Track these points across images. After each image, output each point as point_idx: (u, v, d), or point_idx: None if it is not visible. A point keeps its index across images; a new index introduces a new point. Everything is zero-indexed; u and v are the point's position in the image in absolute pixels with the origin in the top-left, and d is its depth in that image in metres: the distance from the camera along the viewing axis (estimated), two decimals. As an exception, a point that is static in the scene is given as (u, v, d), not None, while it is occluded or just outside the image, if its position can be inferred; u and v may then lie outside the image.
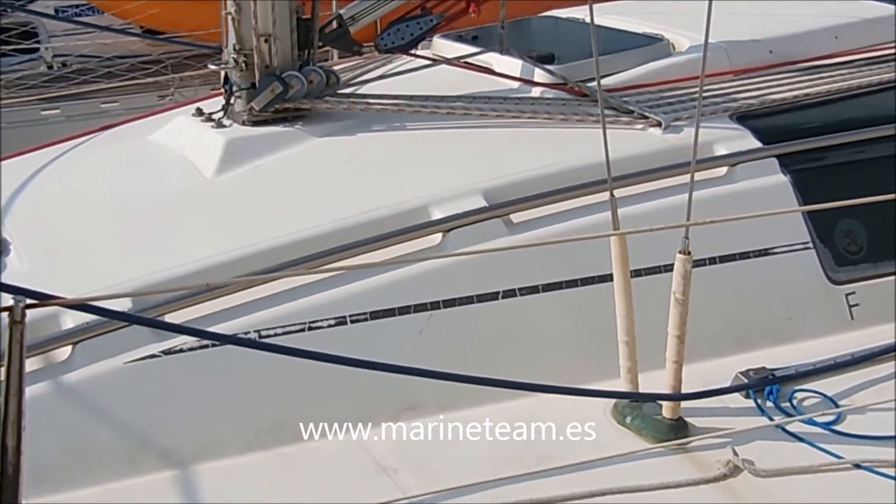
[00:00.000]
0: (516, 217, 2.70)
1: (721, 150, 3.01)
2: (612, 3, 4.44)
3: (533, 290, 2.62)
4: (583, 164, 2.82)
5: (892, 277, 2.99)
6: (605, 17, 4.01)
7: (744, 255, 2.85)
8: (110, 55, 5.90)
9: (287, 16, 2.97)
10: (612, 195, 2.42)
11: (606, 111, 3.16)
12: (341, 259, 2.46)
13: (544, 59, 3.43)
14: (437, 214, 2.64)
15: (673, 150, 2.97)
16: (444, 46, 3.90)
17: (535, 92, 3.35)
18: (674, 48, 3.65)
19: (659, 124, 3.05)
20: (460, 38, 3.81)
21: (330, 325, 2.40)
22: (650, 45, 3.58)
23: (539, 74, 3.41)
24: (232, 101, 3.05)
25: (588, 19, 3.98)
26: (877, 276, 2.99)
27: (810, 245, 2.94)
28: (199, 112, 3.16)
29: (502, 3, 3.55)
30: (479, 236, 2.62)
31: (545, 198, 2.71)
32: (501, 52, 3.55)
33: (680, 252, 2.30)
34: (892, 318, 2.93)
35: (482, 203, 2.66)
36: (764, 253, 2.89)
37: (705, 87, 3.34)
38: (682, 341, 2.33)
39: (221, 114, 3.06)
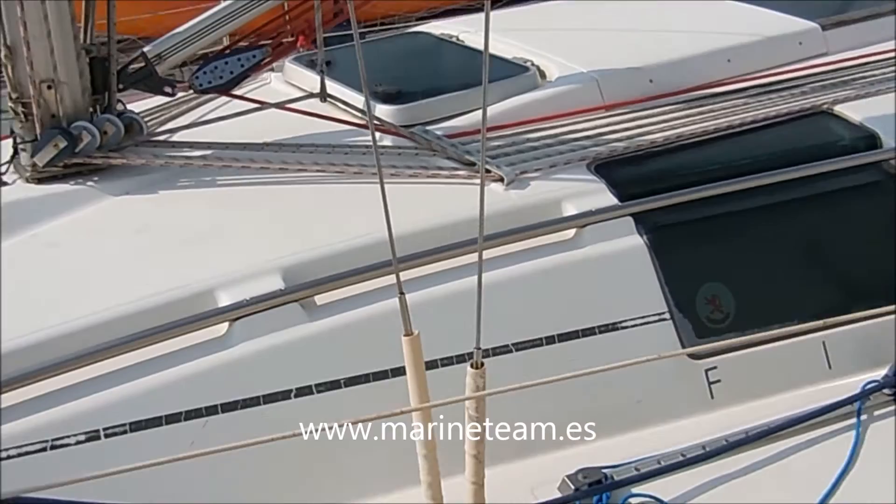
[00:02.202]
0: (322, 298, 2.45)
1: (570, 209, 2.75)
2: (496, 13, 4.17)
3: (334, 385, 2.37)
4: (405, 232, 2.55)
5: (759, 348, 2.79)
6: (477, 34, 3.75)
7: (587, 332, 2.61)
8: None
9: (73, 57, 2.66)
10: (401, 296, 2.05)
11: (447, 163, 2.93)
12: (97, 360, 2.20)
13: (390, 97, 3.14)
14: (224, 300, 2.37)
15: (514, 212, 2.71)
16: (295, 73, 3.61)
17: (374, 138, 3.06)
18: (543, 76, 3.38)
19: (501, 179, 2.80)
20: (312, 64, 3.51)
21: (79, 442, 2.14)
22: (515, 76, 3.29)
23: (380, 114, 3.11)
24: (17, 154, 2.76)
25: (464, 37, 3.83)
26: (742, 346, 2.78)
27: (667, 316, 2.71)
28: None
29: (319, 43, 3.22)
30: (272, 325, 2.36)
31: (352, 276, 2.45)
32: (322, 100, 3.27)
33: (471, 366, 2.03)
34: (756, 395, 2.73)
35: (279, 284, 2.40)
36: (613, 328, 2.66)
37: (564, 130, 3.15)
38: (481, 461, 2.09)
39: (5, 168, 2.77)
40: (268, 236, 2.59)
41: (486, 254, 2.64)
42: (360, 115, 3.19)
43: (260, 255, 2.47)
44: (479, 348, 2.03)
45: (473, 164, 2.85)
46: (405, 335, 2.05)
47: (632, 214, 2.75)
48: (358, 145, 2.98)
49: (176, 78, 3.02)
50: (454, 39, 3.76)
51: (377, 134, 2.96)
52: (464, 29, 3.84)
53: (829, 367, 2.83)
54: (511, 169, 2.80)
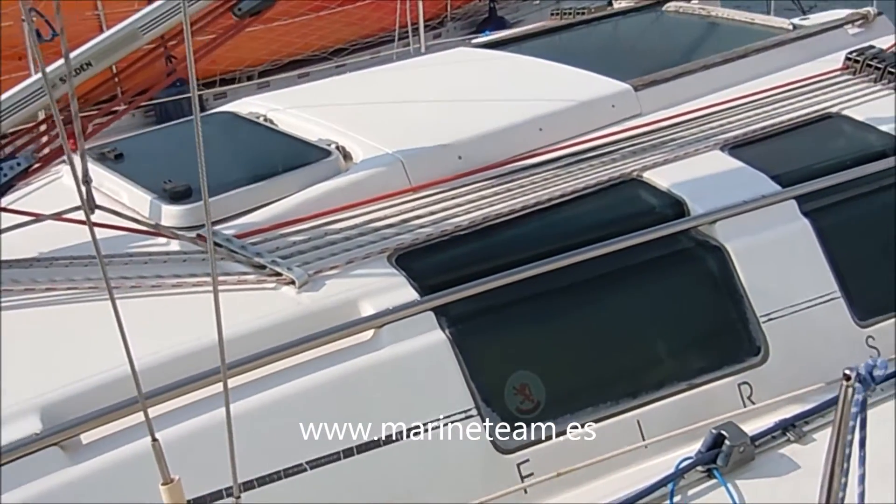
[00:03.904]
0: (88, 436, 2.31)
1: (367, 308, 2.71)
2: (305, 86, 4.13)
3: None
4: (175, 354, 2.45)
5: (572, 434, 2.80)
6: (285, 112, 3.69)
7: (389, 440, 2.55)
8: None
9: None
10: (154, 442, 1.84)
11: (237, 267, 2.84)
12: None
13: (179, 195, 3.03)
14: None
15: (307, 317, 2.64)
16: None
17: (162, 242, 2.96)
18: (349, 158, 3.33)
19: (293, 282, 2.73)
20: (102, 158, 3.37)
21: None
22: (317, 161, 3.23)
23: (168, 215, 3.01)
24: None
25: (272, 116, 3.75)
26: (554, 435, 2.78)
27: (474, 412, 2.68)
28: None
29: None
30: (29, 473, 2.21)
31: (101, 416, 2.30)
32: (92, 211, 2.88)
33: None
34: (572, 484, 2.72)
35: (38, 426, 2.26)
36: (416, 431, 2.60)
37: (367, 219, 3.10)
38: None
39: None
40: (31, 367, 2.44)
41: (279, 364, 2.59)
42: (145, 218, 3.06)
43: (23, 393, 2.33)
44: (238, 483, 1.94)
45: (264, 266, 2.78)
46: (163, 484, 1.95)
47: (432, 308, 2.73)
48: (140, 253, 2.86)
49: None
50: (261, 120, 3.68)
51: (161, 239, 2.86)
52: (272, 107, 3.78)
53: (645, 445, 2.87)
54: (303, 270, 2.74)
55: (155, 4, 2.80)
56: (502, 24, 8.71)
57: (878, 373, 1.93)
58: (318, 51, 7.82)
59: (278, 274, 2.74)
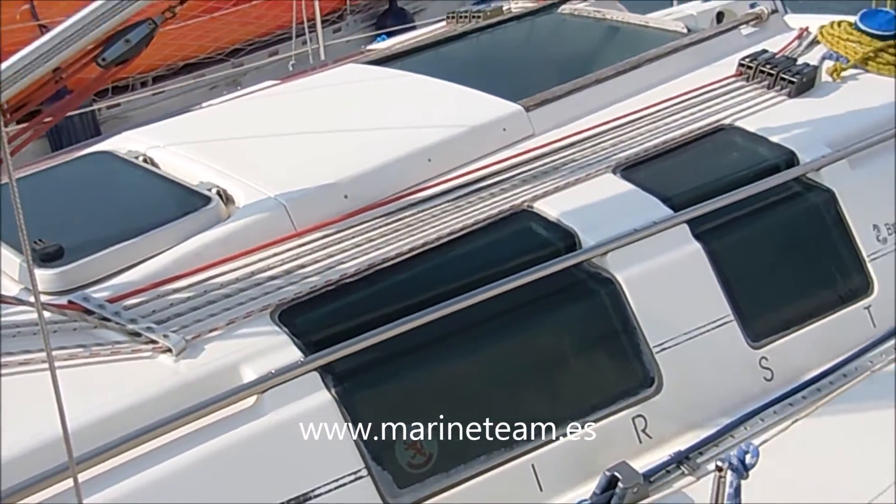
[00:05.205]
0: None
1: (249, 373, 2.66)
2: (185, 118, 4.01)
3: None
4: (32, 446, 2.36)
5: (467, 484, 2.81)
6: (165, 150, 3.58)
7: (272, 513, 2.54)
8: None
9: None
10: None
11: (111, 335, 2.76)
12: None
13: (48, 257, 2.91)
14: None
15: (185, 387, 2.58)
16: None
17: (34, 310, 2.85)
18: (230, 202, 3.24)
19: (169, 350, 2.65)
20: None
21: None
22: (196, 210, 3.14)
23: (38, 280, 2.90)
24: None
25: (153, 154, 3.63)
26: (448, 488, 2.79)
27: (364, 473, 2.67)
28: None
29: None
30: None
31: None
32: None
33: None
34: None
35: None
36: (304, 499, 2.59)
37: (249, 271, 3.03)
38: None
39: None
40: None
41: (157, 441, 2.52)
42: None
43: None
44: None
45: (139, 334, 2.71)
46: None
47: (316, 368, 2.70)
48: (9, 324, 2.76)
49: None
50: (140, 160, 3.56)
51: (24, 309, 2.77)
52: (154, 143, 3.65)
53: (541, 489, 2.90)
54: (180, 336, 2.67)
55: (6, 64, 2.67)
56: (403, 17, 8.63)
57: (749, 460, 1.98)
58: (214, 52, 7.64)
59: (154, 341, 2.67)
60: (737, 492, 2.05)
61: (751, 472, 2.16)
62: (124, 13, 2.73)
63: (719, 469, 2.02)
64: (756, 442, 3.02)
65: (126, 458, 2.44)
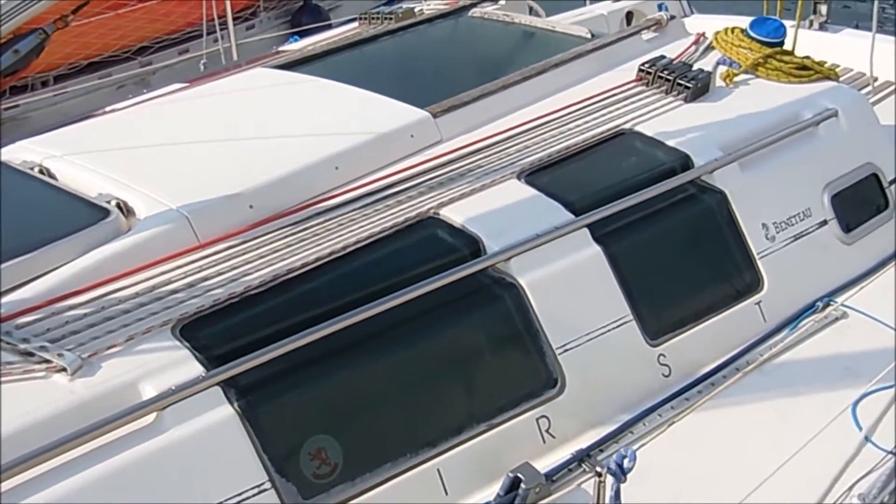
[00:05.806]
0: None
1: (148, 390, 2.65)
2: (85, 125, 3.92)
3: None
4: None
5: (373, 492, 2.86)
6: (63, 160, 3.49)
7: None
8: None
9: None
10: None
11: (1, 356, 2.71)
12: None
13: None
14: None
15: (81, 407, 2.55)
16: None
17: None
18: (130, 214, 3.20)
19: (64, 370, 2.61)
20: None
21: None
22: (94, 224, 3.08)
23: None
24: None
25: (49, 164, 3.54)
26: (354, 497, 2.83)
27: (267, 485, 2.69)
28: None
29: None
30: None
31: None
32: None
33: None
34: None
35: None
36: (215, 512, 2.61)
37: (150, 285, 3.01)
38: None
39: None
40: None
41: (52, 463, 2.49)
42: None
43: None
44: None
45: (31, 353, 2.66)
46: None
47: (218, 383, 2.71)
48: None
49: None
50: (35, 171, 3.47)
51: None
52: (50, 153, 3.56)
53: (446, 493, 2.97)
54: (76, 354, 2.64)
55: None
56: (318, 14, 8.58)
57: (627, 465, 2.08)
58: (120, 50, 7.46)
59: (48, 361, 2.64)
60: (617, 495, 2.15)
61: (628, 476, 2.26)
62: (11, 23, 2.68)
63: (598, 475, 2.12)
64: (651, 437, 3.17)
65: (18, 480, 2.40)
